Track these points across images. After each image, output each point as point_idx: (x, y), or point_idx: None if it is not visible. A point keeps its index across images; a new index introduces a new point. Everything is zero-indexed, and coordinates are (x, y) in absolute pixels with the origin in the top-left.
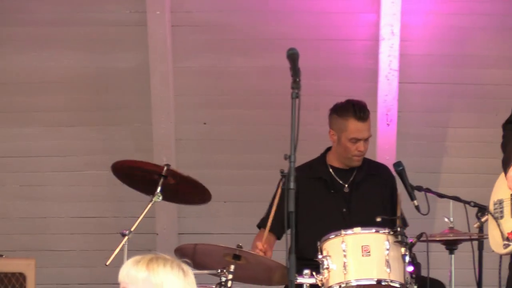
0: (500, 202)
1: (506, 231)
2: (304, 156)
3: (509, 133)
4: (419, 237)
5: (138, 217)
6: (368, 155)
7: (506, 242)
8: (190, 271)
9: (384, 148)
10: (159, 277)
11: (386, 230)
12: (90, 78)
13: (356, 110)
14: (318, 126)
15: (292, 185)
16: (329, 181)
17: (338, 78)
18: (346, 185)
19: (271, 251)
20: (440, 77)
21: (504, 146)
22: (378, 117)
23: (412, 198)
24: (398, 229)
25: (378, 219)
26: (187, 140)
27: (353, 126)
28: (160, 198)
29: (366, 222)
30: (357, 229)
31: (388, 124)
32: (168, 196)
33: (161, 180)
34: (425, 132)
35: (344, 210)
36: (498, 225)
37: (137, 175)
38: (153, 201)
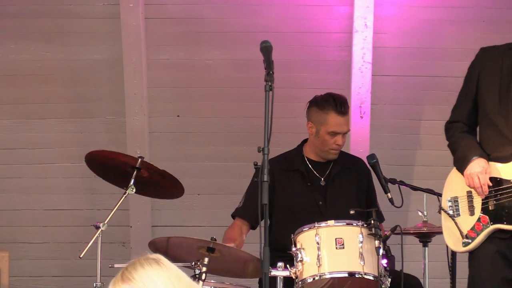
0: (455, 200)
1: (466, 228)
2: (278, 148)
3: (456, 132)
4: (393, 230)
5: (112, 210)
6: (343, 148)
7: (466, 240)
8: (162, 257)
9: (358, 140)
10: (138, 282)
11: (360, 223)
12: (63, 70)
13: (337, 103)
14: (291, 119)
15: (265, 177)
16: (305, 174)
17: (311, 70)
18: (322, 178)
19: (242, 238)
20: (412, 69)
21: (453, 146)
22: (351, 109)
23: (386, 191)
24: (372, 221)
25: (352, 212)
26: (161, 132)
27: (333, 119)
28: (134, 190)
29: (342, 215)
30: (331, 222)
31: (361, 117)
32: (142, 188)
33: (135, 172)
34: (398, 125)
35: (321, 203)
36: (456, 223)
37: (110, 167)
38: (126, 194)
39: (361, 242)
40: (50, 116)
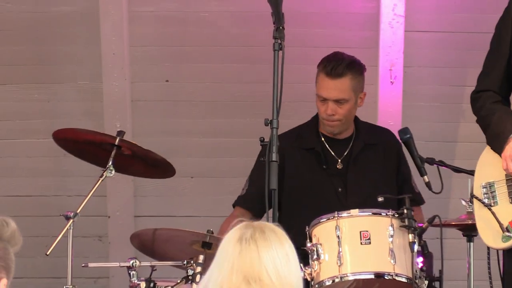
0: (491, 185)
1: (506, 219)
2: (289, 121)
3: (486, 104)
4: (431, 221)
5: (86, 196)
6: (368, 120)
7: (508, 234)
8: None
9: (387, 111)
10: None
11: (390, 212)
12: (27, 25)
13: (327, 63)
14: (306, 84)
15: (274, 156)
16: (321, 154)
17: (330, 25)
18: (340, 160)
19: None
20: (454, 24)
21: (484, 121)
22: (379, 73)
23: (422, 173)
24: (405, 210)
25: (380, 199)
26: (146, 101)
27: (321, 81)
28: (113, 172)
29: (366, 203)
30: (355, 211)
31: (392, 82)
32: (122, 168)
33: (114, 151)
34: (437, 92)
35: (340, 189)
36: (493, 214)
37: (84, 144)
38: (104, 177)
39: (392, 236)
40: (9, 81)
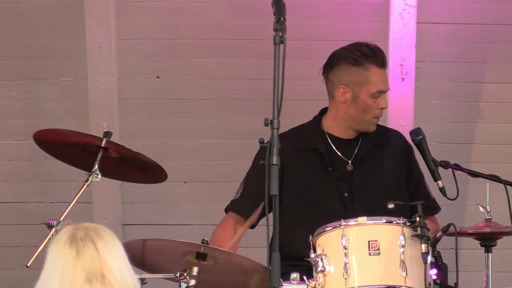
0: None
1: None
2: (291, 121)
3: None
4: (445, 230)
5: (70, 203)
6: None
7: None
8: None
9: (398, 110)
10: None
11: (401, 220)
12: (5, 16)
13: (376, 54)
14: (310, 81)
15: (275, 159)
16: (326, 155)
17: (337, 17)
18: (350, 162)
19: (235, 241)
20: (473, 15)
21: None
22: (390, 69)
23: (436, 177)
24: (417, 218)
25: (391, 206)
26: (135, 99)
27: (376, 76)
28: (99, 177)
29: (375, 210)
30: (363, 219)
31: (403, 79)
32: (109, 173)
33: (100, 153)
34: (452, 89)
35: (346, 194)
36: None
37: (67, 146)
38: (89, 182)
39: (403, 246)
40: None
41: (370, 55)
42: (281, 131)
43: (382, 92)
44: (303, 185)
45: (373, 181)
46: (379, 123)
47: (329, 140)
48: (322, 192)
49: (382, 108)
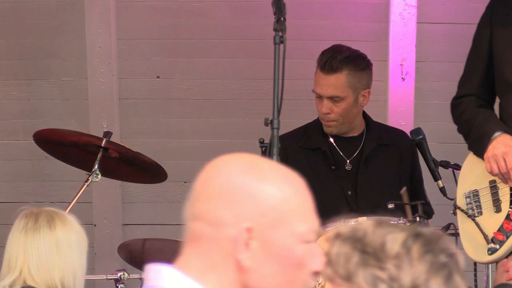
0: (474, 194)
1: (491, 230)
2: (292, 121)
3: (469, 108)
4: (445, 229)
5: (70, 203)
6: (377, 119)
7: (492, 246)
8: None
9: (398, 110)
10: None
11: (401, 221)
12: (5, 16)
13: (323, 57)
14: (309, 81)
15: (275, 159)
16: (329, 154)
17: (337, 16)
18: (348, 161)
19: None
20: (474, 15)
21: (466, 125)
22: (390, 69)
23: (436, 177)
24: (418, 218)
25: (391, 206)
26: (135, 99)
27: (316, 76)
28: (99, 177)
29: (378, 209)
30: (362, 219)
31: (403, 79)
32: (109, 173)
33: (100, 153)
34: (453, 89)
35: (349, 192)
36: (477, 225)
37: (68, 146)
38: (89, 182)
39: None
40: None
41: (321, 59)
42: (282, 131)
43: (317, 94)
44: (307, 183)
45: (377, 180)
46: (381, 122)
47: (331, 139)
48: (325, 190)
49: (323, 113)
